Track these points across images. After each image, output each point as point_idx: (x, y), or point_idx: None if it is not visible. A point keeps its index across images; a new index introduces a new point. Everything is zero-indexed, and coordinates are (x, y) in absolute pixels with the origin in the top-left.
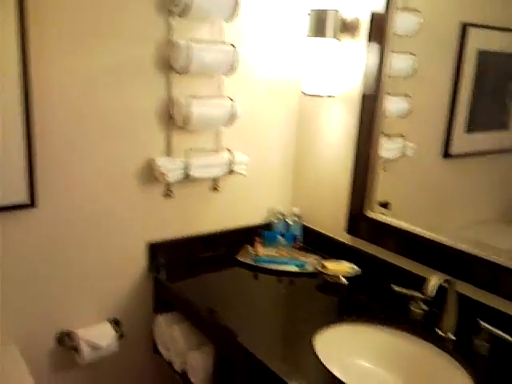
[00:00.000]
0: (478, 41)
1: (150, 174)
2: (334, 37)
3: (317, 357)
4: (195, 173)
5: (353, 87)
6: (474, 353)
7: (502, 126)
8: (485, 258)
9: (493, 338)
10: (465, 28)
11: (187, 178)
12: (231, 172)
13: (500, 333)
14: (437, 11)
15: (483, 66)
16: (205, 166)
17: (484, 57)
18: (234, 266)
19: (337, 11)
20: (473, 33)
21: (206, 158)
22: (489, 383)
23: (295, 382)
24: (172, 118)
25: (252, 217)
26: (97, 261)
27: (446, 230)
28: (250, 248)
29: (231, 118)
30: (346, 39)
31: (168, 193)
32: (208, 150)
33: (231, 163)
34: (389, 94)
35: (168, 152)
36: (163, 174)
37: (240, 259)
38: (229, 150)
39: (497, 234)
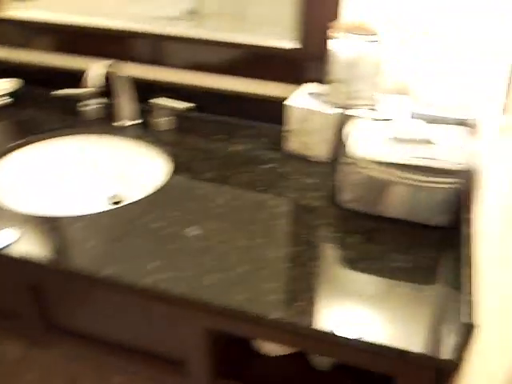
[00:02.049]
0: None
1: None
2: None
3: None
4: None
5: None
6: (159, 131)
7: None
8: (146, 32)
9: (170, 111)
10: None
11: None
12: None
13: (172, 104)
14: None
15: None
16: None
17: None
18: None
19: None
20: None
21: None
22: (177, 150)
23: None
24: None
25: None
26: None
27: (100, 13)
28: None
29: None
30: None
31: None
32: None
33: None
34: None
35: None
36: None
37: None
38: None
39: (161, 6)
